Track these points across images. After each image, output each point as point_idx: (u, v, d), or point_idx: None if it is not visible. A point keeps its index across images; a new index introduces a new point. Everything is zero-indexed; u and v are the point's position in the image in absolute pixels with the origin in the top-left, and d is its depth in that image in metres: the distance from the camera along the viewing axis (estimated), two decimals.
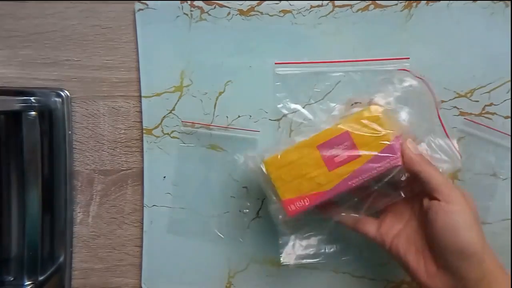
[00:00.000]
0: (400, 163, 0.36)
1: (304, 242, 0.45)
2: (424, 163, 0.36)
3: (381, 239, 0.38)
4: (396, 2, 0.44)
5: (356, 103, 0.40)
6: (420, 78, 0.41)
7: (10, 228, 0.45)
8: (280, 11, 0.44)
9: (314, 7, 0.44)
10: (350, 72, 0.44)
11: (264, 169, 0.38)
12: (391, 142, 0.37)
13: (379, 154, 0.37)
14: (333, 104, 0.43)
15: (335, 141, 0.37)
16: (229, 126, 0.45)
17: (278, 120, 0.45)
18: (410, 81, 0.41)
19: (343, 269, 0.46)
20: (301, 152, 0.38)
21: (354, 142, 0.37)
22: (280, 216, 0.39)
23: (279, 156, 0.38)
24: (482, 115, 0.45)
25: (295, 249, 0.44)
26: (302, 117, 0.44)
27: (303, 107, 0.45)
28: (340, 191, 0.37)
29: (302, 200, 0.38)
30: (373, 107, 0.38)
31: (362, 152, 0.37)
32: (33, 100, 0.43)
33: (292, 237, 0.44)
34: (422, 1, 0.44)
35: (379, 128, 0.37)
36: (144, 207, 0.46)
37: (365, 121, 0.37)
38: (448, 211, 0.34)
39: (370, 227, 0.39)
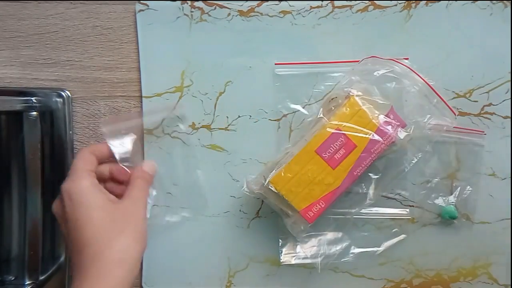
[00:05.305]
0: (394, 139, 0.39)
1: (304, 242, 0.45)
2: None
3: None
4: (395, 2, 0.44)
5: (333, 99, 0.42)
6: (393, 60, 0.42)
7: (11, 228, 0.45)
8: (280, 12, 0.44)
9: (314, 7, 0.44)
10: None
11: (273, 188, 0.40)
12: (380, 125, 0.39)
13: (373, 138, 0.39)
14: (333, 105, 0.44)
15: (330, 141, 0.40)
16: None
17: (278, 120, 0.45)
18: (382, 66, 0.42)
19: (343, 268, 0.46)
20: (302, 161, 0.40)
21: (347, 136, 0.39)
22: (302, 227, 0.41)
23: (282, 173, 0.40)
24: (481, 115, 0.45)
25: (295, 249, 0.45)
26: (302, 117, 0.45)
27: (303, 107, 0.45)
28: (349, 184, 0.40)
29: (317, 205, 0.40)
30: (351, 100, 0.40)
31: (357, 142, 0.39)
32: (34, 100, 0.43)
33: (292, 237, 0.44)
34: (421, 2, 0.44)
35: (364, 116, 0.40)
36: None
37: (349, 115, 0.40)
38: None
39: None
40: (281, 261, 0.45)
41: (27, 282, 0.43)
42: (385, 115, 0.40)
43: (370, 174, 0.42)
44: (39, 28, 0.45)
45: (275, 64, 0.44)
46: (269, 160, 0.45)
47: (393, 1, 0.44)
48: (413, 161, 0.43)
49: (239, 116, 0.45)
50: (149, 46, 0.45)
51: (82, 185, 0.36)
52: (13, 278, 0.44)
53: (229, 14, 0.44)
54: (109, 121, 0.42)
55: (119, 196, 0.39)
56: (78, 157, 0.38)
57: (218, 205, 0.46)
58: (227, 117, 0.45)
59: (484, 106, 0.45)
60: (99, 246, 0.34)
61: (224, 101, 0.45)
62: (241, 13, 0.44)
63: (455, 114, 0.42)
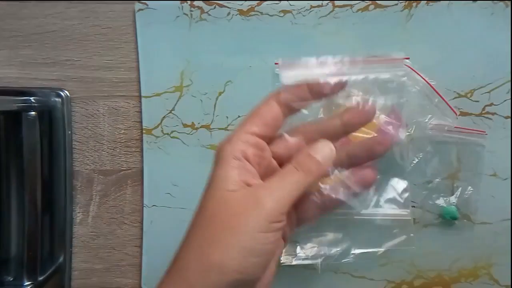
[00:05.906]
0: (397, 139, 0.39)
1: (304, 243, 0.45)
2: None
3: None
4: (396, 2, 0.44)
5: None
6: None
7: (9, 228, 0.45)
8: (280, 11, 0.44)
9: (314, 7, 0.44)
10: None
11: None
12: (380, 125, 0.39)
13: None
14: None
15: None
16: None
17: None
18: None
19: (343, 269, 0.46)
20: None
21: (348, 137, 0.39)
22: (302, 227, 0.40)
23: None
24: (482, 115, 0.44)
25: (295, 250, 0.45)
26: (302, 117, 0.44)
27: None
28: None
29: None
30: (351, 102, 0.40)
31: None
32: (33, 100, 0.43)
33: (292, 237, 0.44)
34: (422, 1, 0.44)
35: None
36: (144, 207, 0.46)
37: None
38: None
39: None
40: (281, 261, 0.44)
41: (26, 283, 0.42)
42: (386, 115, 0.40)
43: None
44: (38, 27, 0.45)
45: (275, 64, 0.44)
46: None
47: (394, 1, 0.44)
48: (414, 161, 0.43)
49: (239, 116, 0.45)
50: (148, 46, 0.45)
51: (227, 151, 0.28)
52: (11, 279, 0.44)
53: (229, 14, 0.44)
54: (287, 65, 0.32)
55: None
56: (261, 106, 0.30)
57: None
58: (227, 117, 0.45)
59: (486, 106, 0.44)
60: (188, 244, 0.26)
61: (224, 101, 0.45)
62: (241, 12, 0.44)
63: (456, 114, 0.42)
